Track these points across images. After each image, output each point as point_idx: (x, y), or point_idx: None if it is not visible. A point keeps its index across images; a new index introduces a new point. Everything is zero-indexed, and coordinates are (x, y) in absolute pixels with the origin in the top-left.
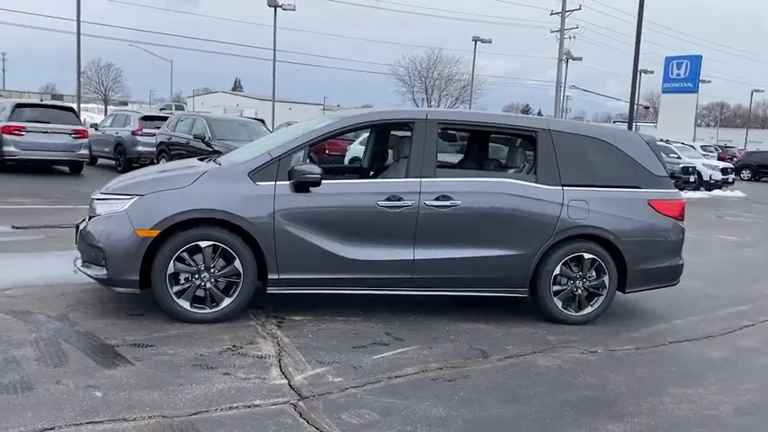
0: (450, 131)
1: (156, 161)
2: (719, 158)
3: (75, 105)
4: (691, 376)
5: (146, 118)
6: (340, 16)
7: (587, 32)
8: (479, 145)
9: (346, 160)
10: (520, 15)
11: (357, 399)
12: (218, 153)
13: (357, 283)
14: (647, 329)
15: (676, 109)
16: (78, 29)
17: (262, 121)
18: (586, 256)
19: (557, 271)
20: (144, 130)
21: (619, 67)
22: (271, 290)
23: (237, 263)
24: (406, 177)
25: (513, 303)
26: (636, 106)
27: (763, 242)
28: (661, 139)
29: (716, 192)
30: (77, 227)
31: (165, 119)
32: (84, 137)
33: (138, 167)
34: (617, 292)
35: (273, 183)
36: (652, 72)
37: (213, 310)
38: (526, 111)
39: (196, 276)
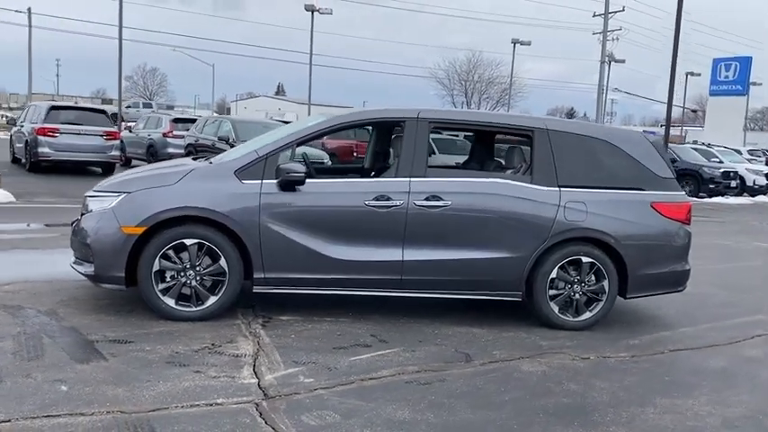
0: (440, 130)
1: None
2: (767, 163)
3: (116, 109)
4: (683, 386)
5: (177, 120)
6: (380, 19)
7: (632, 34)
8: (483, 145)
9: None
10: (564, 18)
11: (323, 400)
12: None
13: (344, 284)
14: (647, 336)
15: (724, 112)
16: (120, 34)
17: (288, 123)
18: (585, 259)
19: (553, 275)
20: (174, 133)
21: (666, 70)
22: (257, 289)
23: (223, 261)
24: (395, 177)
25: (512, 308)
26: (683, 110)
27: None
28: (702, 143)
29: (760, 197)
30: (72, 224)
31: (194, 121)
32: (115, 138)
33: None
34: (618, 297)
35: (260, 181)
36: (699, 74)
37: (198, 308)
38: (571, 114)
39: (182, 274)
